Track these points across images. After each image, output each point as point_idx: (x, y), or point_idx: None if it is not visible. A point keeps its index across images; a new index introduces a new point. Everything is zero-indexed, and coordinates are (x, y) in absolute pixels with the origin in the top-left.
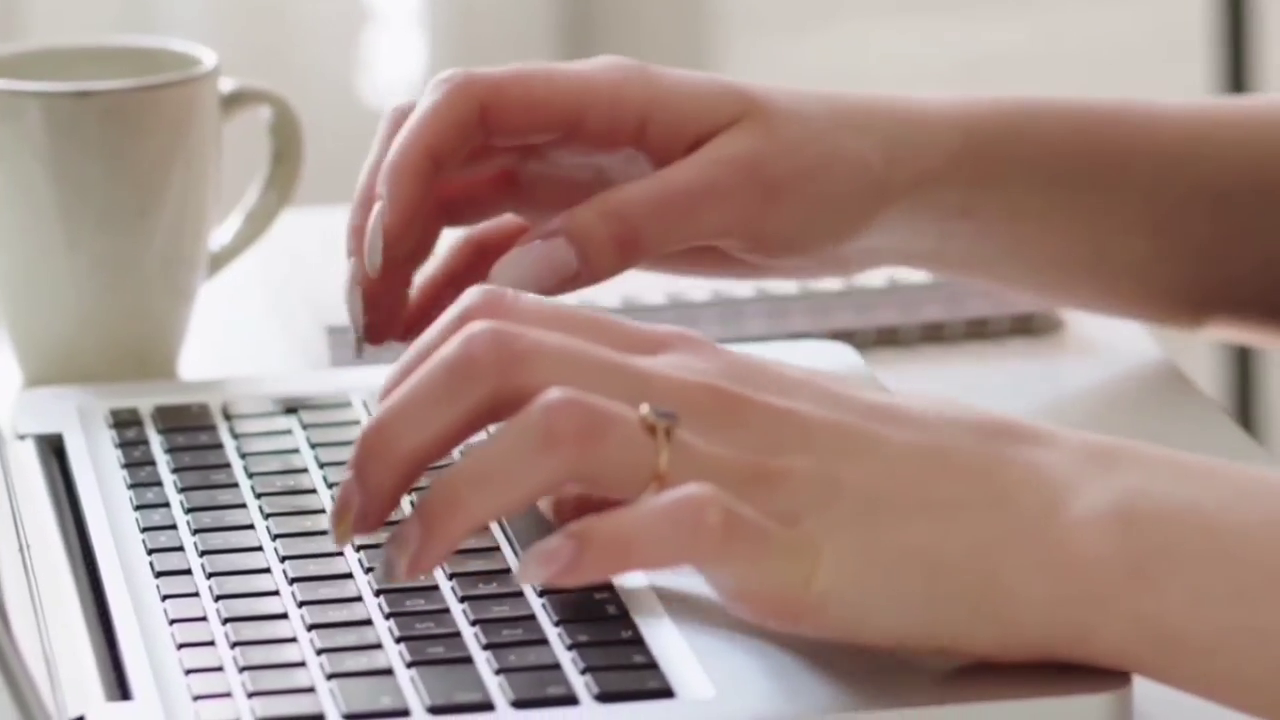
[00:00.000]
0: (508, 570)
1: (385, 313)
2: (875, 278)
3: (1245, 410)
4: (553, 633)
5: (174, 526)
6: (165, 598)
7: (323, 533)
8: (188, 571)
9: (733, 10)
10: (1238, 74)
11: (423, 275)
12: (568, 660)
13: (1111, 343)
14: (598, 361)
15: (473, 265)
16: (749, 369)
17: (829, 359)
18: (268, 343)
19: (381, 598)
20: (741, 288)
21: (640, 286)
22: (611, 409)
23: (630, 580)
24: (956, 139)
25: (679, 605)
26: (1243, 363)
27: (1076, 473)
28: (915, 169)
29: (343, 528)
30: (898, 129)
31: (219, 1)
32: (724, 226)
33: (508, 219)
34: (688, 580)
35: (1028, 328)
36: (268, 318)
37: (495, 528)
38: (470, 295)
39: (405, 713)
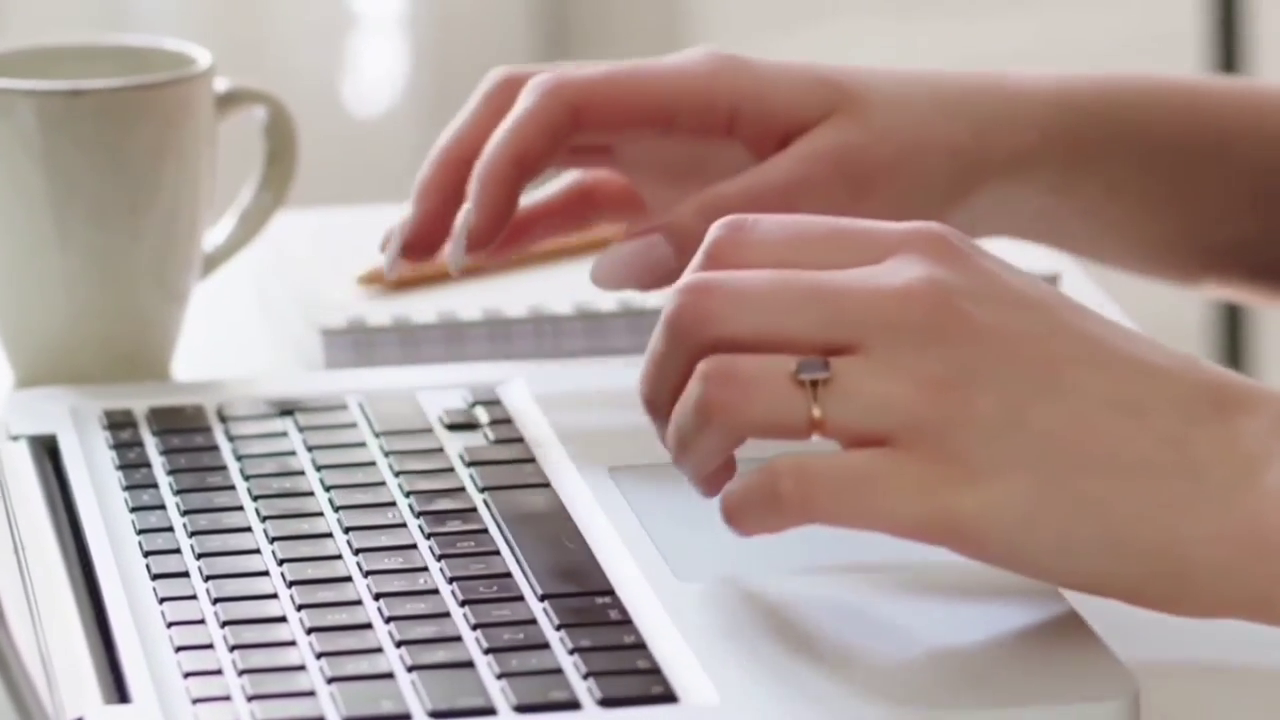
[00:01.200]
0: (508, 574)
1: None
2: None
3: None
4: (554, 637)
5: (170, 528)
6: (163, 600)
7: (321, 535)
8: (185, 574)
9: (711, 13)
10: (1231, 73)
11: (527, 201)
12: (570, 665)
13: None
14: (791, 296)
15: (575, 210)
16: (974, 279)
17: None
18: (260, 344)
19: (381, 601)
20: (607, 302)
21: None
22: (758, 371)
23: (630, 585)
24: (1053, 116)
25: (682, 610)
26: (1233, 341)
27: (1275, 444)
28: (1010, 147)
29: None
30: (993, 107)
31: (200, 3)
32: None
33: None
34: (689, 586)
35: None
36: (260, 319)
37: (496, 534)
38: (715, 228)
39: (406, 717)
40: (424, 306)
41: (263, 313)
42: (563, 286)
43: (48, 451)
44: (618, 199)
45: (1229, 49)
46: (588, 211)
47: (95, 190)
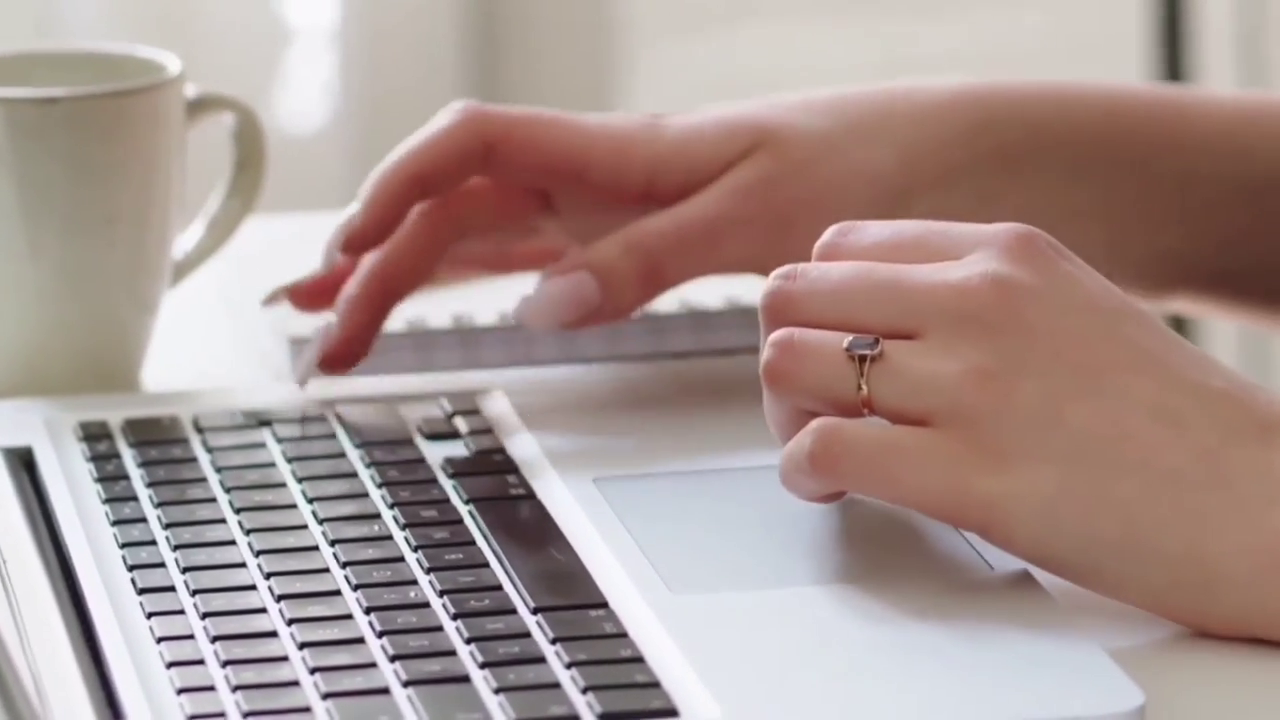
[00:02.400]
0: (498, 587)
1: (355, 338)
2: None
3: None
4: (549, 651)
5: (154, 542)
6: (151, 615)
7: (307, 548)
8: (171, 588)
9: (638, 17)
10: (1174, 76)
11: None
12: (567, 679)
13: None
14: (865, 285)
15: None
16: (1042, 280)
17: None
18: (227, 353)
19: (373, 615)
20: (712, 299)
21: (475, 309)
22: (815, 343)
23: (623, 597)
24: (977, 130)
25: (677, 623)
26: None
27: None
28: (935, 167)
29: None
30: (916, 130)
31: (131, 15)
32: (744, 255)
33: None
34: (682, 598)
35: None
36: (223, 327)
37: (484, 546)
38: (826, 232)
39: None
40: (393, 316)
41: (227, 321)
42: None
43: (23, 463)
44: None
45: (1171, 48)
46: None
47: (67, 200)
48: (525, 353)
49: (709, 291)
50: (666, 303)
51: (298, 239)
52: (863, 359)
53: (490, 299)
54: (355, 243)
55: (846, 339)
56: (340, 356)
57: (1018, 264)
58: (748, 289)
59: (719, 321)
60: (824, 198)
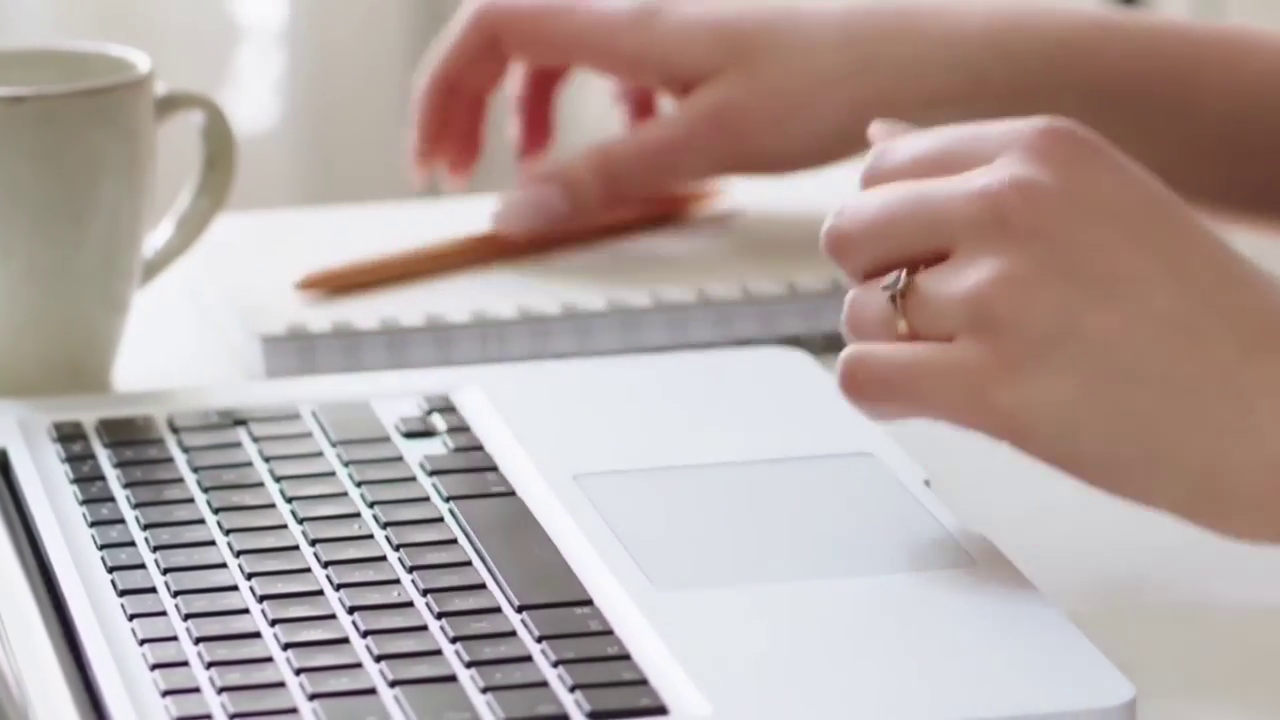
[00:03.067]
0: (482, 585)
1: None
2: (821, 282)
3: None
4: (535, 649)
5: (133, 543)
6: (133, 617)
7: (288, 548)
8: (152, 589)
9: None
10: None
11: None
12: (554, 678)
13: None
14: (894, 212)
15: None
16: (1067, 182)
17: (782, 366)
18: (196, 351)
19: (356, 615)
20: (684, 294)
21: (581, 293)
22: (864, 296)
23: (608, 594)
24: (987, 58)
25: (663, 619)
26: None
27: None
28: (922, 92)
29: None
30: (912, 53)
31: (79, 14)
32: (701, 173)
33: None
34: (667, 594)
35: None
36: (192, 325)
37: (466, 545)
38: (867, 158)
39: None
40: (365, 312)
41: (193, 319)
42: (506, 291)
43: None
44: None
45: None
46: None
47: (36, 198)
48: (499, 349)
49: (727, 284)
50: (683, 293)
51: (261, 236)
52: (896, 297)
53: (463, 297)
54: (421, 157)
55: (889, 276)
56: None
57: (1043, 165)
58: (763, 281)
59: (693, 314)
60: (786, 121)
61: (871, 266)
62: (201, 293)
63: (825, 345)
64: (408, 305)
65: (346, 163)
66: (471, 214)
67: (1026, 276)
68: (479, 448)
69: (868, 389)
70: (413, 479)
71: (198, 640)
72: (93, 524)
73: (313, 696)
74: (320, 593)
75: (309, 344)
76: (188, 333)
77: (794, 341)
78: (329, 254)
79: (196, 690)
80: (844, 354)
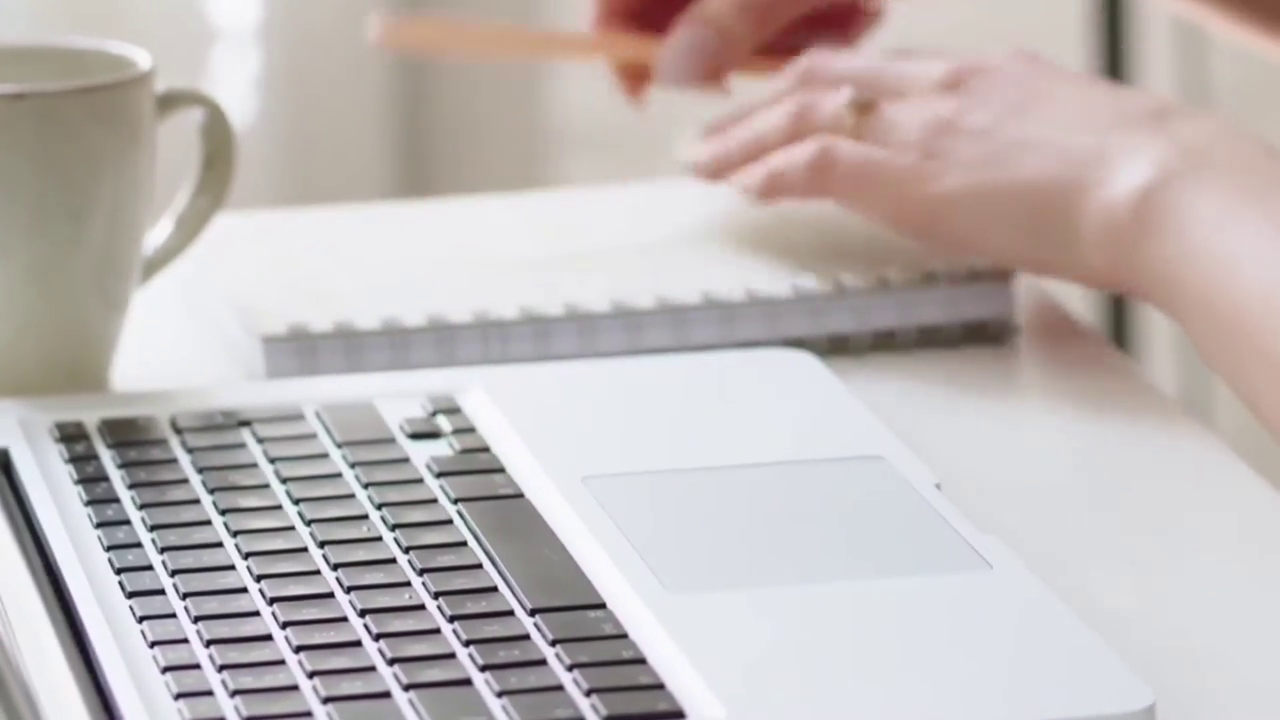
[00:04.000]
0: (493, 588)
1: None
2: (825, 283)
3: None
4: (549, 653)
5: (139, 544)
6: (142, 619)
7: (296, 550)
8: (161, 592)
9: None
10: (1115, 65)
11: None
12: (569, 682)
13: (1065, 348)
14: (872, 69)
15: None
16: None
17: (789, 368)
18: (194, 351)
19: (368, 618)
20: (689, 295)
21: (585, 294)
22: (818, 100)
23: (620, 598)
24: None
25: (676, 623)
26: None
27: (1163, 163)
28: None
29: None
30: None
31: (54, 12)
32: None
33: None
34: (680, 598)
35: (981, 335)
36: (188, 325)
37: (475, 547)
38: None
39: None
40: (367, 313)
41: (189, 318)
42: (509, 291)
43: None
44: None
45: (1111, 34)
46: None
47: (35, 196)
48: (501, 350)
49: (731, 285)
50: (688, 294)
51: (258, 235)
52: (861, 107)
53: (466, 298)
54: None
55: (847, 91)
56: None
57: (977, 97)
58: (768, 281)
59: (696, 316)
60: None
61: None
62: (198, 292)
63: (829, 347)
64: (409, 305)
65: (323, 161)
66: (489, 212)
67: (967, 102)
68: (485, 449)
69: (832, 174)
70: (420, 481)
71: (209, 643)
72: (98, 525)
73: (327, 700)
74: (331, 595)
75: (310, 344)
76: (184, 332)
77: (796, 343)
78: (328, 254)
79: (209, 694)
80: (819, 140)
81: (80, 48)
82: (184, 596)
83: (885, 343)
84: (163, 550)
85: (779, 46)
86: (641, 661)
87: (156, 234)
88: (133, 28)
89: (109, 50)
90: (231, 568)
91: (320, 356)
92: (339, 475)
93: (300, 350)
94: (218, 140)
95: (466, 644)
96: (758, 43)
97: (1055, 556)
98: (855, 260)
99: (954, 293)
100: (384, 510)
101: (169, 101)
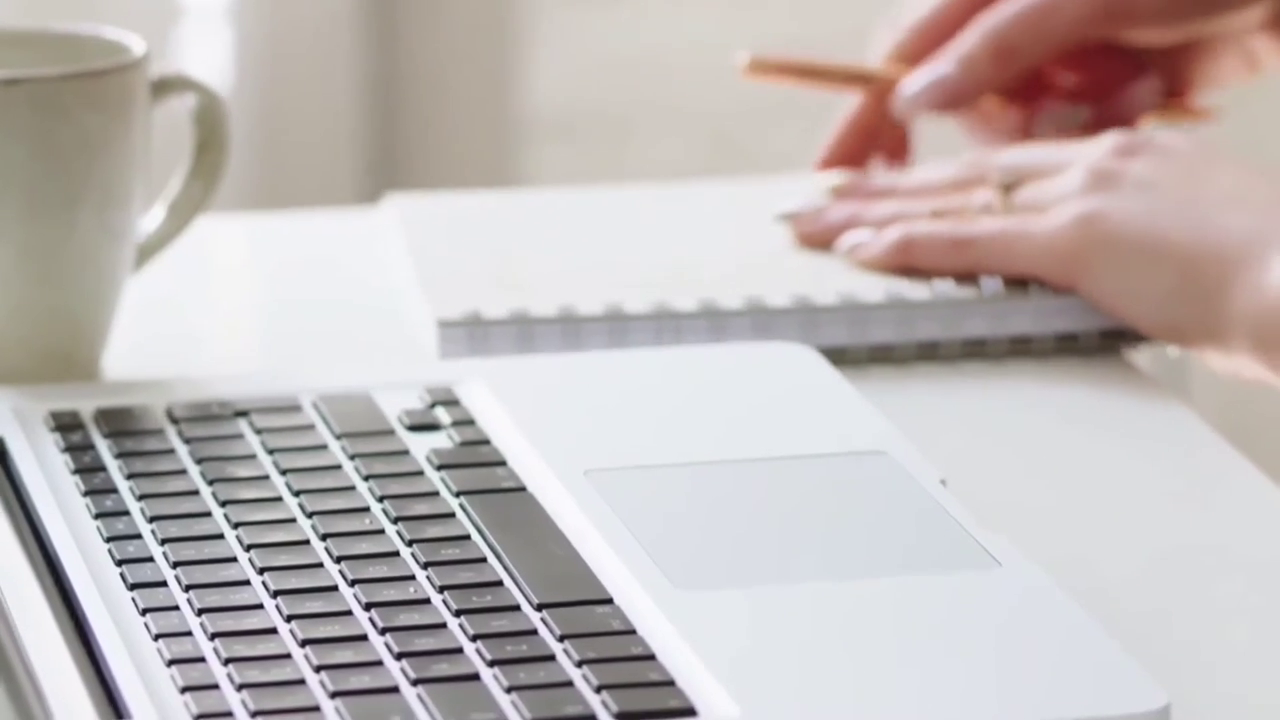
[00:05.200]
0: (499, 582)
1: None
2: (872, 293)
3: None
4: (558, 648)
5: (139, 535)
6: (145, 611)
7: (298, 543)
8: (163, 583)
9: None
10: None
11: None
12: (579, 678)
13: (1110, 366)
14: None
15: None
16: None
17: (791, 361)
18: (187, 339)
19: (373, 611)
20: (730, 300)
21: (626, 297)
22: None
23: (628, 593)
24: None
25: (685, 619)
26: None
27: None
28: None
29: None
30: None
31: None
32: (1081, 27)
33: None
34: (688, 594)
35: (1025, 350)
36: (182, 312)
37: (479, 540)
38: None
39: None
40: (542, 300)
41: (177, 304)
42: (683, 282)
43: None
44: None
45: None
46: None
47: (30, 182)
48: (674, 341)
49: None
50: (685, 302)
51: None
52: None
53: (642, 288)
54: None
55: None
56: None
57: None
58: (769, 289)
59: (735, 322)
60: None
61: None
62: (184, 278)
63: (871, 356)
64: (586, 295)
65: (293, 144)
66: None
67: (1134, 169)
68: (486, 442)
69: (976, 252)
70: (421, 473)
71: (213, 636)
72: (97, 515)
73: (334, 694)
74: (335, 589)
75: (483, 330)
76: (176, 318)
77: (838, 352)
78: (507, 238)
79: (215, 687)
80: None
81: (73, 33)
82: (187, 589)
83: (930, 353)
84: (163, 542)
85: (1026, 88)
86: (651, 658)
87: (148, 221)
88: (101, 5)
89: (103, 35)
90: (234, 560)
91: (493, 342)
92: (339, 467)
93: (473, 335)
94: (211, 126)
95: (474, 639)
96: (1000, 83)
97: (1056, 555)
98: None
99: (1046, 303)
100: (386, 503)
101: (163, 87)
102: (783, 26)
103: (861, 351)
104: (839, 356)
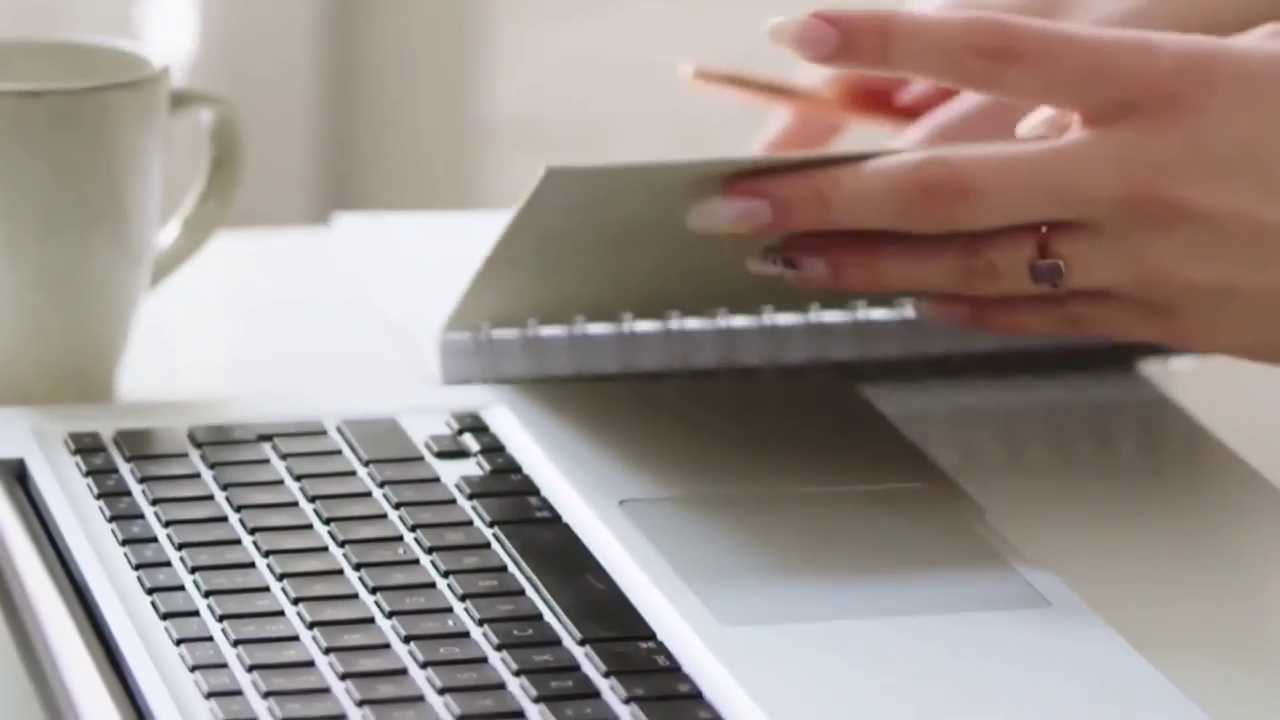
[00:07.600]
0: (539, 616)
1: None
2: (879, 310)
3: None
4: (603, 685)
5: (169, 563)
6: (180, 642)
7: (332, 572)
8: (196, 613)
9: None
10: None
11: None
12: (626, 715)
13: (1120, 383)
14: (1028, 179)
15: None
16: (1188, 151)
17: (828, 394)
18: (202, 359)
19: (413, 644)
20: (739, 317)
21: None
22: (997, 261)
23: (672, 629)
24: None
25: (732, 656)
26: None
27: None
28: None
29: None
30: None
31: None
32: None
33: None
34: (734, 629)
35: (1036, 366)
36: (193, 332)
37: (516, 572)
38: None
39: None
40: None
41: (192, 323)
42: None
43: (14, 476)
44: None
45: None
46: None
47: (47, 198)
48: (684, 359)
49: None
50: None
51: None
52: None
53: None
54: None
55: (1028, 262)
56: None
57: (1160, 144)
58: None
59: (746, 339)
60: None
61: (991, 227)
62: (197, 296)
63: (881, 372)
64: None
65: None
66: None
67: (1181, 260)
68: (517, 470)
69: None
70: (453, 502)
71: (250, 668)
72: (124, 542)
73: None
74: (372, 620)
75: (489, 347)
76: (192, 338)
77: (848, 367)
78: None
79: None
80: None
81: (91, 44)
82: (220, 619)
83: (941, 368)
84: (193, 570)
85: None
86: (698, 696)
87: (163, 238)
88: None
89: (121, 48)
90: (266, 589)
91: (500, 360)
92: (368, 494)
93: (480, 351)
94: (227, 142)
95: (517, 674)
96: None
97: (1098, 591)
98: None
99: None
100: (418, 532)
101: (181, 101)
102: (747, 33)
103: (872, 366)
104: (845, 370)
